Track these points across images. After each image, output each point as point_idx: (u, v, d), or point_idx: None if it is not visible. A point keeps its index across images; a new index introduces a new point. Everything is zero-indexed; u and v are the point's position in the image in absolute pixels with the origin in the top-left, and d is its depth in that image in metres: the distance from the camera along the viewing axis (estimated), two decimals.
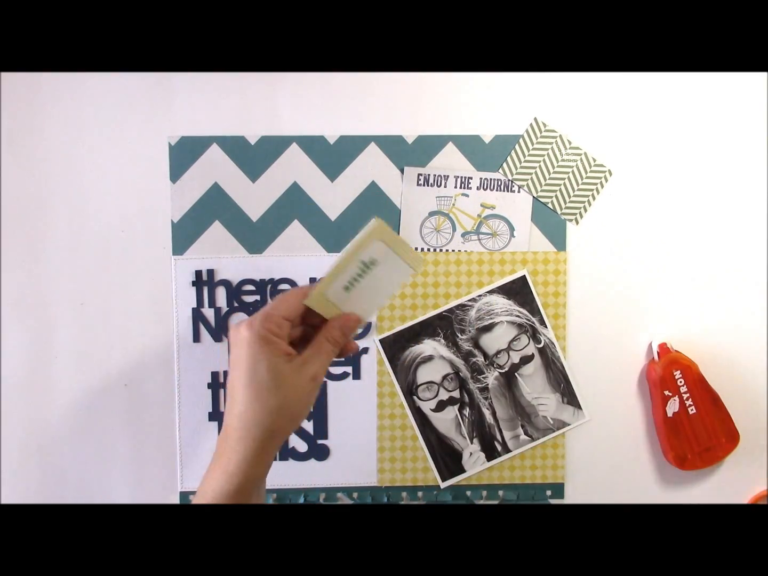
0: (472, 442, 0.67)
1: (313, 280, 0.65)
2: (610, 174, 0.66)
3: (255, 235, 0.63)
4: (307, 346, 0.50)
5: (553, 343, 0.67)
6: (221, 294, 0.65)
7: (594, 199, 0.66)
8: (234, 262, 0.65)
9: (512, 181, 0.65)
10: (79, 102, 0.63)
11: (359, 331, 0.59)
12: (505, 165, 0.65)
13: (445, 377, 0.67)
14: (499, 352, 0.67)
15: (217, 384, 0.66)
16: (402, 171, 0.65)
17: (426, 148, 0.65)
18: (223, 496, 0.48)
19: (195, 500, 0.49)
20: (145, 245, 0.65)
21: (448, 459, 0.67)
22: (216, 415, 0.66)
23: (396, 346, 0.66)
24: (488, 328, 0.67)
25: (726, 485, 0.69)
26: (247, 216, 0.65)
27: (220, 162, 0.64)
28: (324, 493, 0.68)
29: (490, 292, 0.66)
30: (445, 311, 0.66)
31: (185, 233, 0.65)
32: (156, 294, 0.65)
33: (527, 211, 0.66)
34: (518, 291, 0.67)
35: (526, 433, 0.68)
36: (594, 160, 0.66)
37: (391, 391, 0.67)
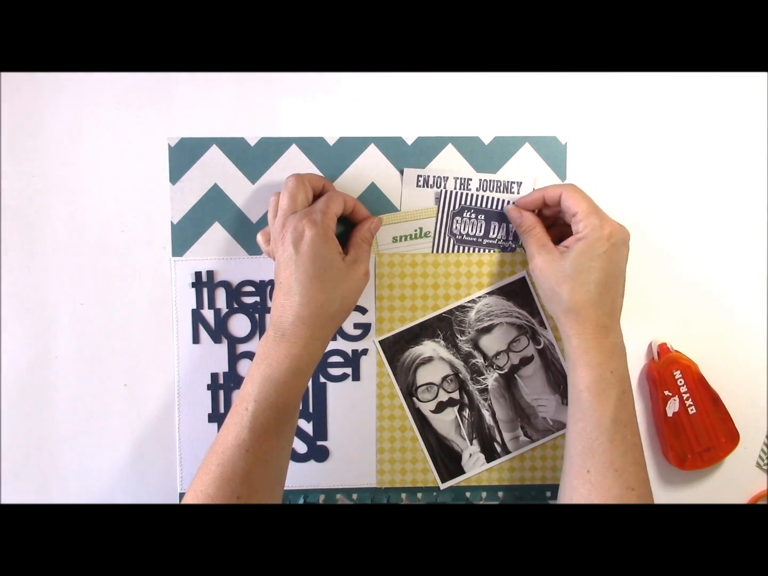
0: (471, 444, 0.67)
1: None
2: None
3: (255, 237, 0.63)
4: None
5: (552, 345, 0.67)
6: (221, 295, 0.65)
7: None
8: (234, 264, 0.65)
9: (512, 183, 0.65)
10: (79, 102, 0.63)
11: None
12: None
13: (444, 378, 0.67)
14: (498, 353, 0.67)
15: (216, 385, 0.66)
16: (401, 172, 0.65)
17: (425, 149, 0.65)
18: (292, 374, 0.54)
19: (256, 384, 0.54)
20: (144, 246, 0.64)
21: (447, 460, 0.67)
22: (215, 417, 0.66)
23: (395, 347, 0.66)
24: (488, 330, 0.67)
25: (726, 485, 0.69)
26: (246, 217, 0.65)
27: (219, 163, 0.64)
28: (323, 495, 0.67)
29: (490, 293, 0.66)
30: (444, 312, 0.66)
31: (185, 234, 0.65)
32: (155, 295, 0.65)
33: None
34: (518, 292, 0.67)
35: (525, 435, 0.68)
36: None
37: (390, 393, 0.67)
